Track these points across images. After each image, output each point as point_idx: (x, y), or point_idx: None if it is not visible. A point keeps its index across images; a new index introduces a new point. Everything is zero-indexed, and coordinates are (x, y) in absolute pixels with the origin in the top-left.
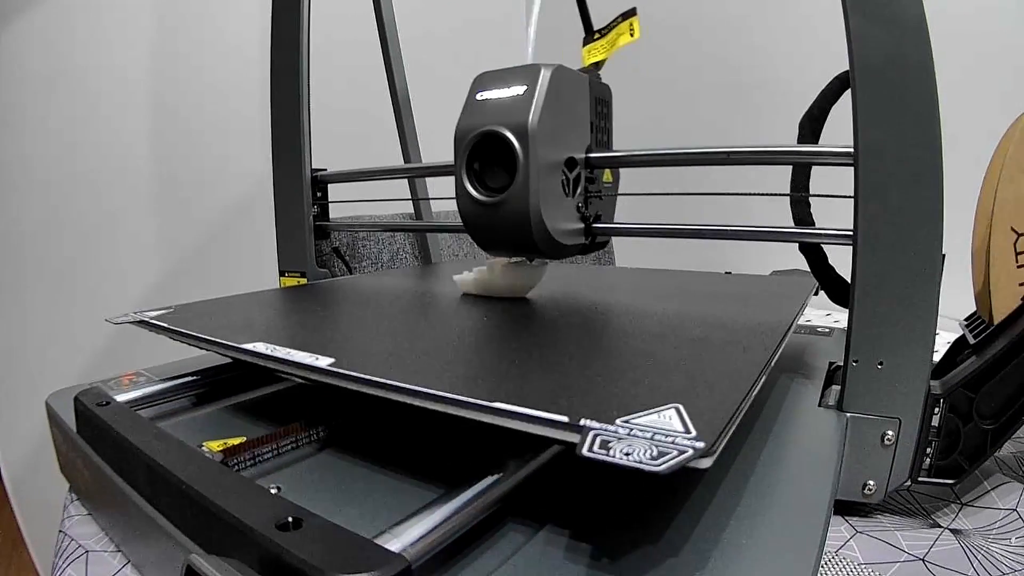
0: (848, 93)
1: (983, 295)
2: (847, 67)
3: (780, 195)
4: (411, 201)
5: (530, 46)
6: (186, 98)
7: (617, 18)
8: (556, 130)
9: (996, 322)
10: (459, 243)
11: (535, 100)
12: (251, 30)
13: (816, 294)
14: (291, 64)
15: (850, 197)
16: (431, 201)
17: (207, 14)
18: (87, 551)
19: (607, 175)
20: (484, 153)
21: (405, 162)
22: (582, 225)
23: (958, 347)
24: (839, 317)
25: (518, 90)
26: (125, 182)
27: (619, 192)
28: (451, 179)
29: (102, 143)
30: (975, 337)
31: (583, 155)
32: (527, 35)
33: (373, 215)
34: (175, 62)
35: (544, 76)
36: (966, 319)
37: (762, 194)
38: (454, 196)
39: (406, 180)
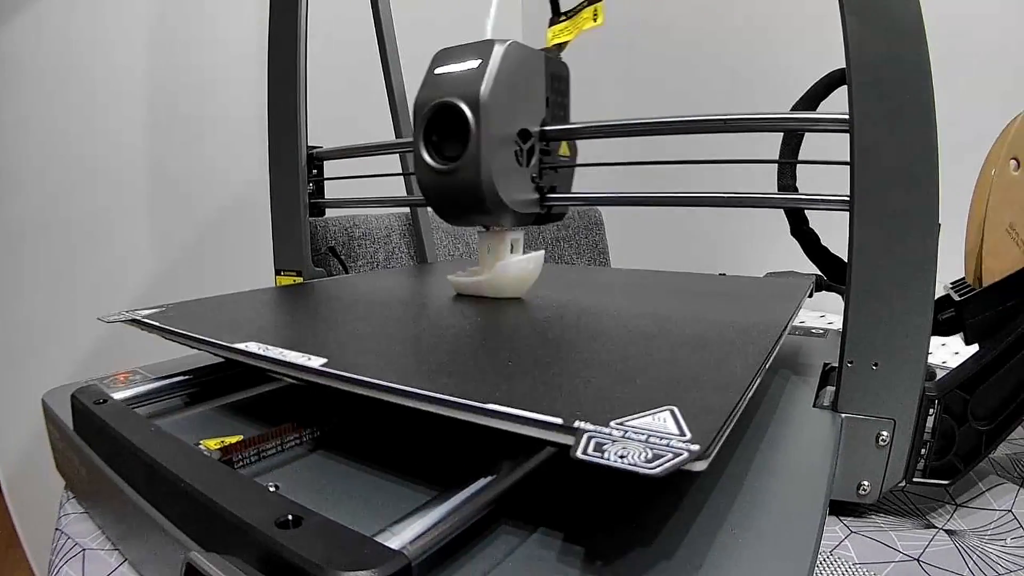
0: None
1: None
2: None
3: (769, 161)
4: (404, 184)
5: (490, 22)
6: (184, 96)
7: (583, 2)
8: (509, 102)
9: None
10: (454, 243)
11: (487, 73)
12: (250, 27)
13: (811, 296)
14: (288, 35)
15: (845, 163)
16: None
17: (205, 13)
18: (84, 549)
19: (564, 148)
20: (441, 125)
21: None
22: (536, 195)
23: (940, 306)
24: (833, 319)
25: (472, 64)
26: (122, 180)
27: (579, 164)
28: None
29: (98, 141)
30: (960, 297)
31: (537, 128)
32: (489, 14)
33: (369, 215)
34: (173, 60)
35: (497, 51)
36: (952, 283)
37: (750, 161)
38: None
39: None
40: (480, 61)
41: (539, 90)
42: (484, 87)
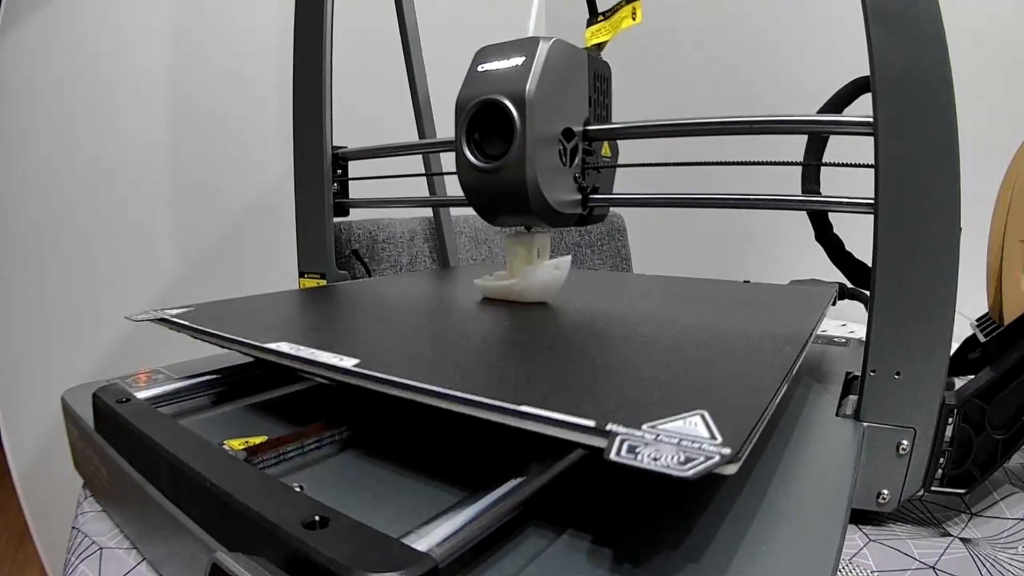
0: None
1: (995, 306)
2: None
3: (795, 164)
4: (427, 185)
5: (532, 20)
6: (206, 96)
7: (620, 1)
8: (553, 100)
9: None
10: (477, 247)
11: (533, 70)
12: (275, 25)
13: (834, 304)
14: (314, 35)
15: (870, 167)
16: (447, 191)
17: (227, 12)
18: (101, 548)
19: (606, 149)
20: (483, 122)
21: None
22: (579, 196)
23: (968, 345)
24: (855, 327)
25: (517, 61)
26: (141, 180)
27: (621, 164)
28: None
29: (117, 141)
30: (985, 336)
31: (581, 127)
32: (530, 15)
33: (392, 218)
34: (194, 59)
35: (543, 48)
36: (977, 320)
37: (775, 163)
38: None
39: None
40: (525, 58)
41: (583, 89)
42: (530, 84)
